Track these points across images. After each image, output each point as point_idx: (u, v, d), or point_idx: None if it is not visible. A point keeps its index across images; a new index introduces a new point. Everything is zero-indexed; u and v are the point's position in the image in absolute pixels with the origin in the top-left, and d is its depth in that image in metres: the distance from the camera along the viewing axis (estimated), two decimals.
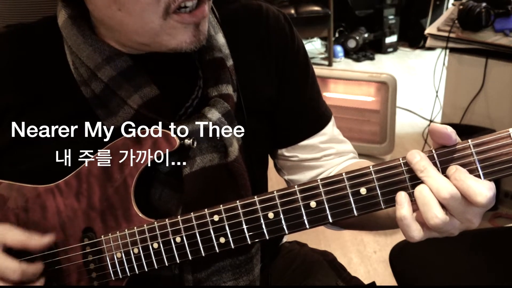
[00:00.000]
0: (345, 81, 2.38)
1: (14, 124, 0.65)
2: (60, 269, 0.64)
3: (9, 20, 0.79)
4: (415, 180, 0.51)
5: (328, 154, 0.77)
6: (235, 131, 0.65)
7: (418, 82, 3.46)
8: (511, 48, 1.78)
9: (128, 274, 0.62)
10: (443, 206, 0.49)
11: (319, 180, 0.54)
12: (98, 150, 0.62)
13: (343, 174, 0.53)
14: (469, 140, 0.49)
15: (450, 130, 0.49)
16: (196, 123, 0.63)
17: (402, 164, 0.51)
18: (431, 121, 2.51)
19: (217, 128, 0.63)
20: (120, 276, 0.62)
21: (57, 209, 0.64)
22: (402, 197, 0.50)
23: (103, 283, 0.63)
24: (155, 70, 0.65)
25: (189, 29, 0.59)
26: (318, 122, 0.77)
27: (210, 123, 0.63)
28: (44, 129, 0.64)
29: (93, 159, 0.63)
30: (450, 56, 2.07)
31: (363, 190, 0.52)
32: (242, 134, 0.67)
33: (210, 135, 0.63)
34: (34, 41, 0.67)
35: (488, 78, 1.94)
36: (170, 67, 0.67)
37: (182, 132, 0.62)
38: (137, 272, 0.61)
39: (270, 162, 0.82)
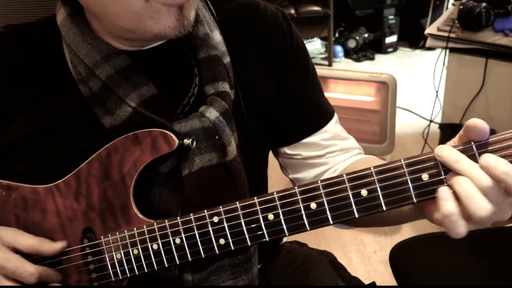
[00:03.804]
0: (345, 81, 2.38)
1: (13, 124, 0.65)
2: (60, 270, 0.64)
3: (8, 20, 0.79)
4: (417, 181, 0.50)
5: (332, 151, 0.76)
6: (232, 130, 0.65)
7: (418, 82, 3.46)
8: (511, 48, 1.78)
9: (128, 275, 0.62)
10: None
11: (319, 182, 0.53)
12: (97, 150, 0.62)
13: (344, 175, 0.52)
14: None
15: (487, 126, 0.47)
16: (195, 122, 0.62)
17: (403, 165, 0.50)
18: (431, 121, 2.50)
19: (216, 127, 0.63)
20: (120, 277, 0.62)
21: (57, 209, 0.64)
22: (445, 192, 0.48)
23: (103, 283, 0.63)
24: (152, 69, 0.65)
25: (172, 12, 0.58)
26: (319, 120, 0.76)
27: (209, 122, 0.63)
28: (43, 128, 0.64)
29: (92, 159, 0.63)
30: (450, 56, 2.07)
31: (364, 192, 0.52)
32: (239, 133, 0.67)
33: (209, 134, 0.63)
34: (32, 40, 0.67)
35: (488, 78, 1.94)
36: (167, 66, 0.67)
37: (181, 131, 0.62)
38: (137, 273, 0.61)
39: (270, 161, 0.82)
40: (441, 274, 0.95)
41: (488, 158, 0.46)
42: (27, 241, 0.62)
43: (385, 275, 1.73)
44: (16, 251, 0.61)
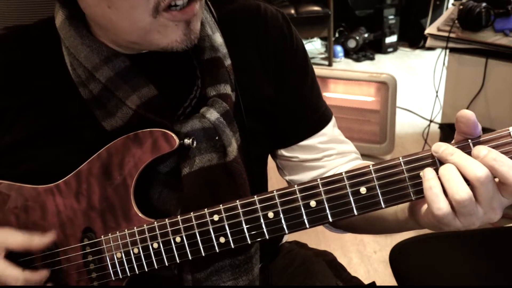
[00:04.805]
0: (345, 81, 2.38)
1: (13, 126, 0.65)
2: (60, 269, 0.64)
3: (8, 20, 0.79)
4: (415, 179, 0.51)
5: (329, 155, 0.76)
6: (233, 131, 0.65)
7: (418, 82, 3.46)
8: (511, 48, 1.78)
9: (128, 274, 0.62)
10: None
11: (319, 180, 0.54)
12: (97, 151, 0.62)
13: (343, 173, 0.53)
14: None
15: (474, 115, 0.48)
16: (195, 123, 0.63)
17: (402, 163, 0.51)
18: (431, 121, 2.50)
19: (216, 128, 0.63)
20: (120, 276, 0.62)
21: (57, 209, 0.64)
22: (430, 170, 0.49)
23: (103, 283, 0.63)
24: (153, 71, 0.65)
25: (180, 27, 0.59)
26: (317, 123, 0.76)
27: (209, 123, 0.63)
28: (43, 130, 0.64)
29: (93, 159, 0.63)
30: (450, 56, 2.07)
31: (363, 190, 0.52)
32: (240, 134, 0.67)
33: (209, 135, 0.63)
34: (32, 43, 0.67)
35: (488, 78, 1.94)
36: (168, 67, 0.67)
37: (181, 132, 0.62)
38: (137, 272, 0.61)
39: (271, 162, 0.82)
40: (441, 274, 0.95)
41: (480, 147, 0.48)
42: (17, 239, 0.61)
43: (385, 275, 1.73)
44: (10, 251, 0.62)
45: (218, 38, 0.69)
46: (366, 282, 0.82)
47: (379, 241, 1.91)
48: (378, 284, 0.80)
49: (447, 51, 2.07)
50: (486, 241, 1.03)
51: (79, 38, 0.63)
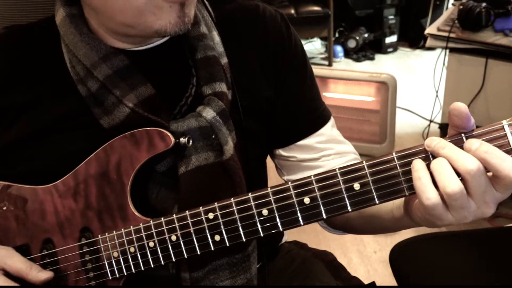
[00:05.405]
0: (345, 81, 2.38)
1: (14, 125, 0.65)
2: (58, 269, 0.64)
3: (8, 20, 0.79)
4: (408, 174, 0.51)
5: (328, 155, 0.76)
6: (230, 129, 0.65)
7: (418, 82, 3.45)
8: (511, 48, 1.78)
9: (125, 273, 0.62)
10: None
11: (312, 176, 0.54)
12: (95, 150, 0.62)
13: (337, 169, 0.53)
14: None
15: (466, 107, 0.48)
16: (192, 122, 0.63)
17: (395, 158, 0.51)
18: (431, 121, 2.50)
19: (212, 126, 0.63)
20: (117, 275, 0.62)
21: (55, 209, 0.64)
22: (418, 161, 0.49)
23: (100, 282, 0.63)
24: (150, 70, 0.65)
25: (174, 9, 0.58)
26: (315, 123, 0.76)
27: (205, 121, 0.63)
28: (43, 129, 0.65)
29: (90, 159, 0.62)
30: (450, 56, 2.07)
31: (356, 186, 0.52)
32: (237, 133, 0.67)
33: (206, 134, 0.63)
34: (32, 41, 0.67)
35: (488, 78, 1.94)
36: (165, 66, 0.68)
37: (178, 131, 0.62)
38: (133, 271, 0.61)
39: (271, 162, 0.81)
40: (441, 274, 0.95)
41: (472, 140, 0.47)
42: (16, 264, 0.61)
43: (385, 275, 1.72)
44: (5, 270, 0.61)
45: (214, 37, 0.69)
46: (366, 282, 0.82)
47: (379, 241, 1.90)
48: (378, 284, 0.80)
49: (447, 51, 2.07)
50: (486, 241, 1.03)
51: (79, 35, 0.63)
